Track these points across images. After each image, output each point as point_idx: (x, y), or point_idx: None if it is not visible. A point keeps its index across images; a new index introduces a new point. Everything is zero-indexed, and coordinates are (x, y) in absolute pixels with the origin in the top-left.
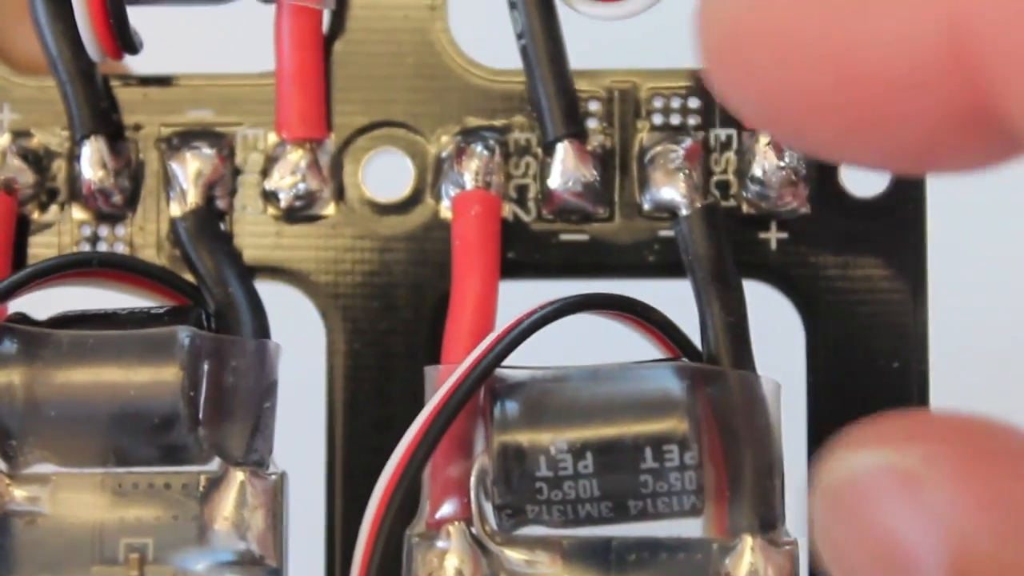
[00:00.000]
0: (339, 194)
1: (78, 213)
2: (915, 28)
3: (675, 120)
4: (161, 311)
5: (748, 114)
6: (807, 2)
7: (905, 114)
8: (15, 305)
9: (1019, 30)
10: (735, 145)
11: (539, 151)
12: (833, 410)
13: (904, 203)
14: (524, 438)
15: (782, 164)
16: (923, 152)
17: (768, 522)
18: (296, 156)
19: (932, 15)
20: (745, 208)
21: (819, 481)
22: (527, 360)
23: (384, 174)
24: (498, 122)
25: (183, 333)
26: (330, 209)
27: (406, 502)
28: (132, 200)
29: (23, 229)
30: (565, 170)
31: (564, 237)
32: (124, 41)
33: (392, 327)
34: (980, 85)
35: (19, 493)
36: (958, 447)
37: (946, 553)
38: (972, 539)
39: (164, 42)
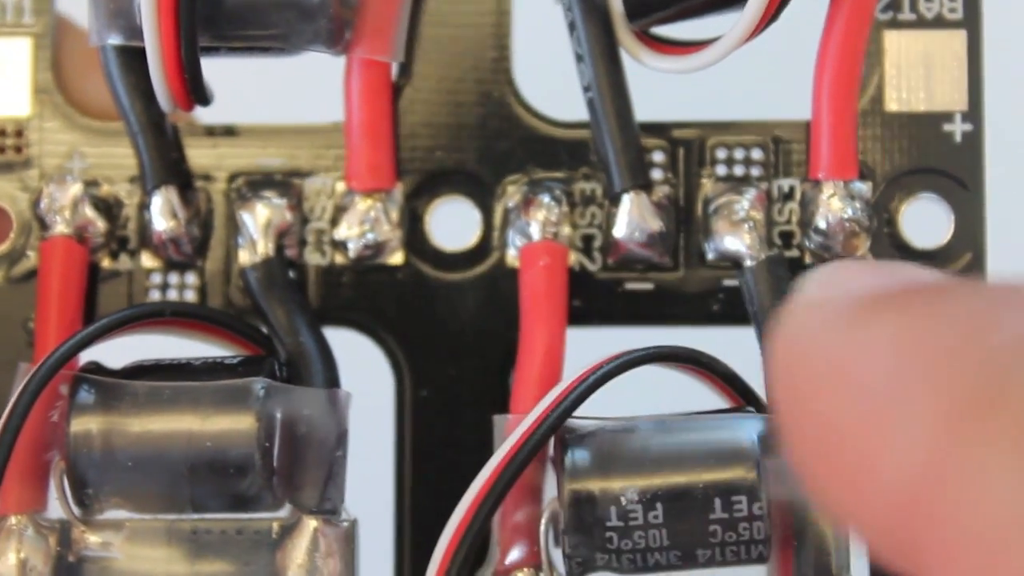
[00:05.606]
0: (407, 243)
1: (148, 261)
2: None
3: (739, 171)
4: (234, 361)
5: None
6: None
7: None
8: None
9: (964, 520)
10: (798, 196)
11: (605, 201)
12: None
13: (965, 253)
14: (595, 487)
15: (845, 215)
16: None
17: (831, 570)
18: (365, 206)
19: (903, 467)
20: (808, 258)
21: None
22: (593, 406)
23: (451, 223)
24: (564, 172)
25: (258, 384)
26: (398, 258)
27: (474, 547)
28: (202, 248)
29: (93, 277)
30: (631, 220)
31: (629, 286)
32: (198, 93)
33: (460, 375)
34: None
35: (93, 539)
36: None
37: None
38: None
39: (233, 92)
